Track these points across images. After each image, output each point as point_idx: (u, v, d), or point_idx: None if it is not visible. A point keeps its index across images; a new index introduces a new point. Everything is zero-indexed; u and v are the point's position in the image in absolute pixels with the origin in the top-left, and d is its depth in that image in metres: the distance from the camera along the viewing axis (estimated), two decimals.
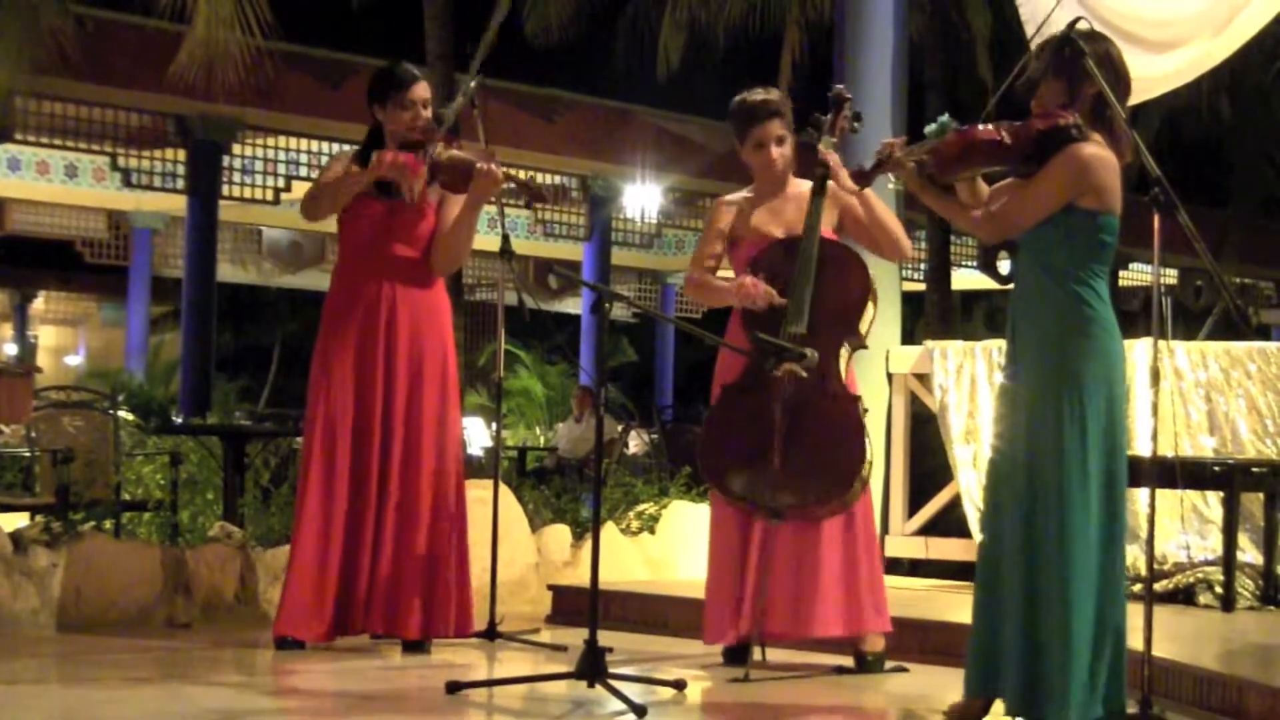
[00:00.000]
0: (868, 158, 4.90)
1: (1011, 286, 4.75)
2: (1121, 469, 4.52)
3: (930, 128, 4.70)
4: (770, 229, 5.77)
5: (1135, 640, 4.56)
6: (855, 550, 5.60)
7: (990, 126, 4.55)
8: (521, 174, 6.23)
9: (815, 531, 5.56)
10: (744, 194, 5.92)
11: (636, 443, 15.24)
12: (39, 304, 28.55)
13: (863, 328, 5.65)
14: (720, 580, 5.70)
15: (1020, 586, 4.48)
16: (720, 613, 5.69)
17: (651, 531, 8.30)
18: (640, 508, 8.48)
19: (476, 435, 15.09)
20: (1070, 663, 4.38)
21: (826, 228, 5.72)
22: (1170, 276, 24.88)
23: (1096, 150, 4.48)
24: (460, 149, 5.99)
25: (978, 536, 4.81)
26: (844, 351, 5.63)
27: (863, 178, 4.91)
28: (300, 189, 16.01)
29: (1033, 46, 5.17)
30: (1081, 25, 4.59)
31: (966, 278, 21.80)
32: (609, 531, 7.96)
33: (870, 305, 5.66)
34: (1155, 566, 5.39)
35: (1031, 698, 4.44)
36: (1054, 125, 4.49)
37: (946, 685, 4.93)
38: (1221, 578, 6.81)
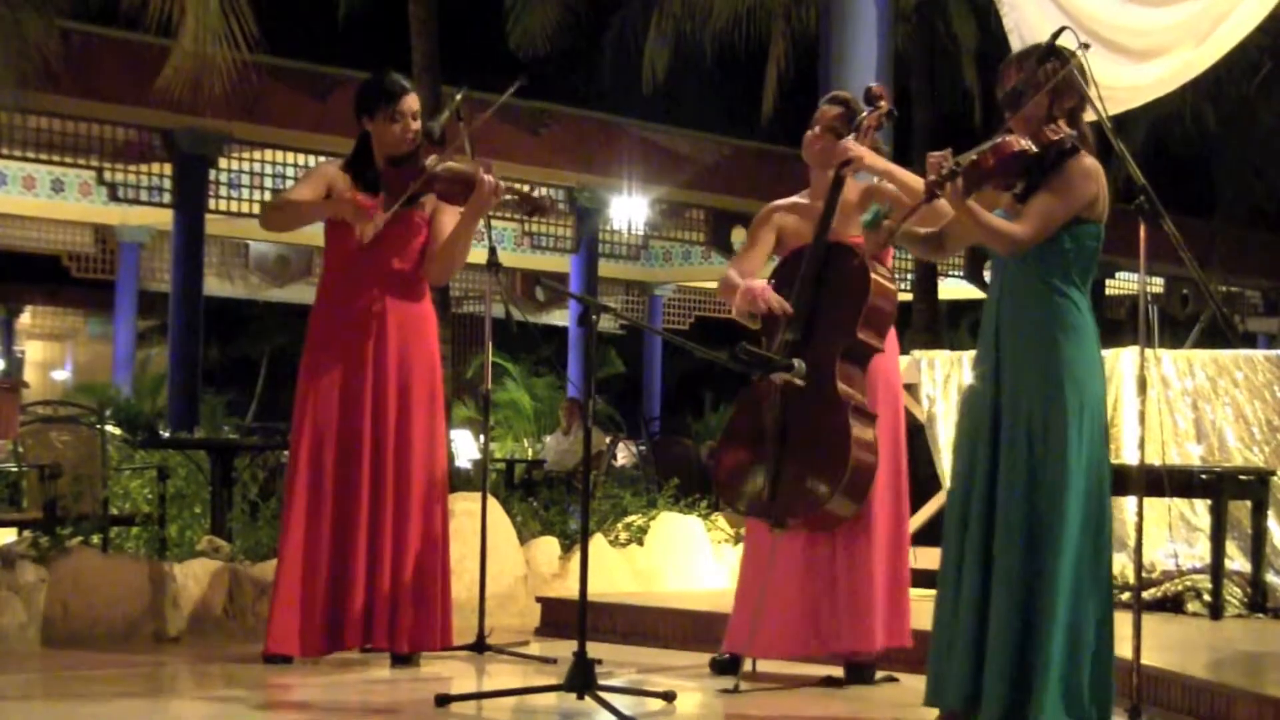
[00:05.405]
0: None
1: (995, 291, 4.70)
2: (1106, 475, 4.52)
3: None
4: (804, 236, 5.70)
5: (1124, 648, 4.56)
6: (881, 563, 5.62)
7: (1014, 138, 4.48)
8: (524, 187, 6.16)
9: (864, 544, 5.57)
10: (794, 199, 5.87)
11: (624, 454, 15.23)
12: (26, 319, 28.47)
13: (863, 335, 5.51)
14: (746, 592, 5.70)
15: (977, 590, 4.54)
16: (741, 623, 5.67)
17: (640, 543, 8.29)
18: (628, 519, 8.48)
19: (464, 448, 15.05)
20: (990, 662, 4.45)
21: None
22: (1156, 285, 24.94)
23: (1096, 161, 4.51)
24: (454, 159, 5.93)
25: None
26: (848, 358, 5.52)
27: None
28: None
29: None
30: (1065, 39, 4.58)
31: (953, 287, 21.82)
32: (597, 543, 7.95)
33: (876, 305, 5.52)
34: (1144, 574, 5.40)
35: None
36: (1052, 140, 4.48)
37: None
38: (1209, 585, 6.83)
